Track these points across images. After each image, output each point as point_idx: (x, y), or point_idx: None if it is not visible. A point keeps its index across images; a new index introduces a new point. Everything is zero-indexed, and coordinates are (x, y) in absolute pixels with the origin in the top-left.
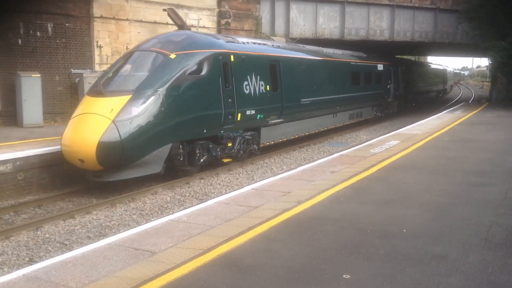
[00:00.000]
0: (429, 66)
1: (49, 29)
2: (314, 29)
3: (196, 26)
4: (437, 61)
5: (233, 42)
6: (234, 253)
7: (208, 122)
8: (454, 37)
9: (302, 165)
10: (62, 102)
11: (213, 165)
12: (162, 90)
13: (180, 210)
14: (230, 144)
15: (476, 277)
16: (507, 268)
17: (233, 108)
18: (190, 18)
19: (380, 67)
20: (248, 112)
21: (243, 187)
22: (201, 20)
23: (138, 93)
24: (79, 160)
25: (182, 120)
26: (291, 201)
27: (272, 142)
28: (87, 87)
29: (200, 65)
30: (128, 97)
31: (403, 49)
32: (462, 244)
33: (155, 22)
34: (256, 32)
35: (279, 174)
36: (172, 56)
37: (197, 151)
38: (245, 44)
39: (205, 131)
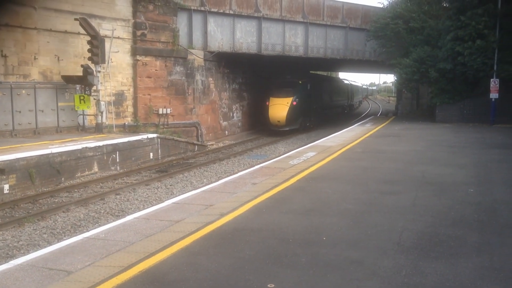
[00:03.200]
0: (357, 84)
1: None
2: (232, 43)
3: (110, 37)
4: (347, 77)
5: (320, 74)
6: (156, 268)
7: (309, 108)
8: (363, 55)
9: (222, 178)
10: None
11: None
12: (300, 96)
13: (96, 228)
14: (313, 119)
15: (391, 280)
16: (419, 270)
17: (313, 103)
18: (104, 28)
19: (347, 84)
20: (326, 104)
21: (162, 201)
22: (116, 30)
23: (293, 97)
24: (277, 121)
25: (304, 108)
26: (214, 214)
27: (322, 120)
28: None
29: (306, 85)
30: (291, 98)
31: (317, 65)
32: (377, 249)
33: (65, 32)
34: (173, 44)
35: (200, 187)
36: (300, 82)
37: (306, 121)
38: (312, 75)
39: (307, 112)
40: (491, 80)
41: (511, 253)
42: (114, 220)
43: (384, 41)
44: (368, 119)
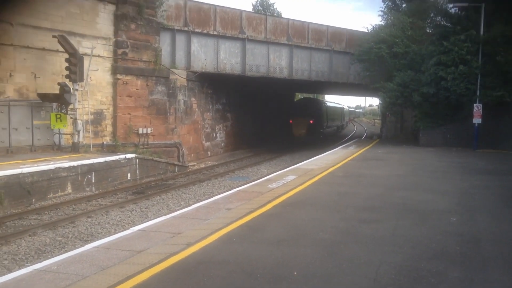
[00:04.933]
0: (345, 107)
1: None
2: (216, 63)
3: (89, 55)
4: (333, 100)
5: (325, 101)
6: None
7: (321, 125)
8: (348, 78)
9: (200, 200)
10: None
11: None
12: (315, 116)
13: (52, 258)
14: (322, 133)
15: None
16: None
17: (326, 121)
18: (84, 46)
19: (340, 108)
20: (329, 123)
21: (129, 227)
22: (95, 48)
23: (310, 117)
24: (299, 134)
25: (318, 124)
26: (180, 244)
27: (330, 131)
28: None
29: (319, 108)
30: (309, 118)
31: (302, 87)
32: (352, 286)
33: (43, 49)
34: (155, 63)
35: (176, 210)
36: (315, 106)
37: (319, 134)
38: (324, 102)
39: (319, 128)
40: (474, 105)
41: None
42: (81, 246)
43: (368, 65)
44: (352, 141)
